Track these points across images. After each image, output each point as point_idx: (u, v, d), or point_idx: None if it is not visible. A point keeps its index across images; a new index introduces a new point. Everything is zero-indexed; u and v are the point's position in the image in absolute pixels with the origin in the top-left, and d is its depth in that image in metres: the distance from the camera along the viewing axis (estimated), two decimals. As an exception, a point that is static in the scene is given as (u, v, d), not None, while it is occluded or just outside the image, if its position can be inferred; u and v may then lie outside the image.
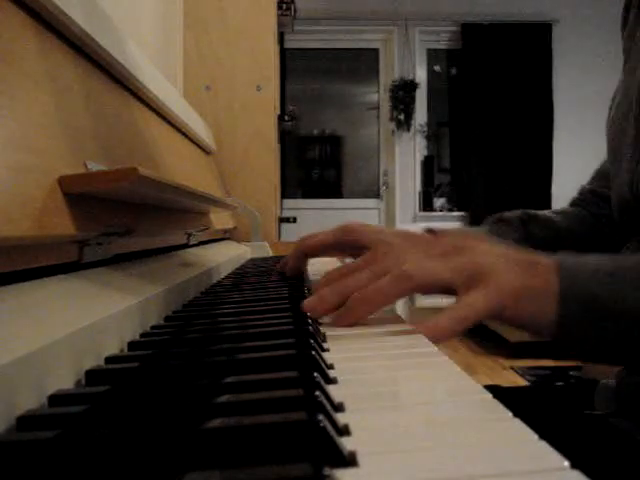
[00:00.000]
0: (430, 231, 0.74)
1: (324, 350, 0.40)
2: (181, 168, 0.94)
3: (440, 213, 4.60)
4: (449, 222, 4.46)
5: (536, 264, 0.45)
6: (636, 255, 0.49)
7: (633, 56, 0.65)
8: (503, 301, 0.43)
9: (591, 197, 0.79)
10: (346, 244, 0.68)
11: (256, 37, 1.73)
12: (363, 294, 0.46)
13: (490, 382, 2.54)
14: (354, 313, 0.47)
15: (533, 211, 0.78)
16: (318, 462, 0.19)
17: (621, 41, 0.71)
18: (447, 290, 0.46)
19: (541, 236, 0.75)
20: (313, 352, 0.33)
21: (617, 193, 0.65)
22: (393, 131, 4.51)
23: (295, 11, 2.73)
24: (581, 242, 0.76)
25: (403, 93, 4.43)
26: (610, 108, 0.72)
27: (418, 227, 0.79)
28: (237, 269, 1.01)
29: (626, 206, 0.63)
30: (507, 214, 0.78)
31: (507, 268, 0.45)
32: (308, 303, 0.49)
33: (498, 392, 0.67)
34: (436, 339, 0.41)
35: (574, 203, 0.82)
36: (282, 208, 2.82)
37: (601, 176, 0.78)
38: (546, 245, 0.74)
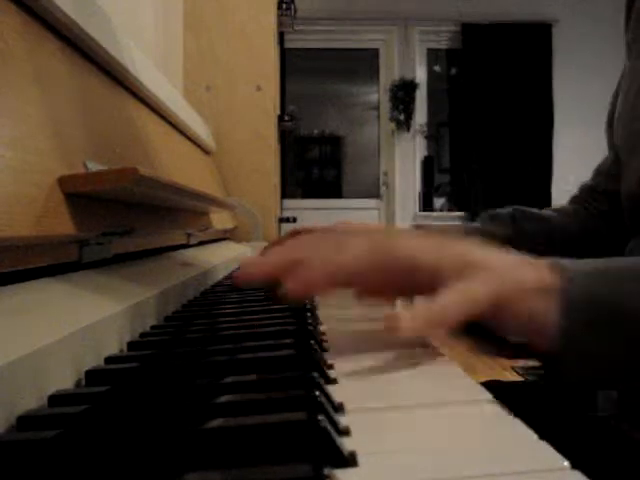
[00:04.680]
0: (419, 227, 0.74)
1: (324, 350, 0.40)
2: (181, 168, 0.94)
3: (440, 213, 4.60)
4: (449, 222, 4.46)
5: (530, 261, 0.39)
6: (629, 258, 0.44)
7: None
8: (504, 292, 0.36)
9: (590, 194, 0.79)
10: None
11: (256, 37, 1.73)
12: (324, 258, 0.37)
13: (490, 382, 2.52)
14: (312, 273, 0.37)
15: (525, 208, 0.77)
16: (318, 462, 0.19)
17: (624, 35, 0.71)
18: (430, 279, 0.37)
19: (532, 232, 0.74)
20: (313, 352, 0.33)
21: (627, 188, 0.64)
22: (393, 131, 4.50)
23: (295, 11, 2.73)
24: (576, 239, 0.75)
25: (403, 93, 4.43)
26: (611, 104, 0.72)
27: (407, 225, 0.78)
28: (237, 269, 1.01)
29: (633, 200, 0.62)
30: (499, 211, 0.78)
31: (503, 260, 0.39)
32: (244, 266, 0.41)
33: (499, 387, 0.67)
34: (420, 332, 0.35)
35: (573, 200, 0.82)
36: (282, 208, 2.82)
37: (602, 172, 0.78)
38: (537, 242, 0.74)
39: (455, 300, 0.35)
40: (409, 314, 0.34)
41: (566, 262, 0.39)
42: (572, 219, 0.77)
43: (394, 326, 0.34)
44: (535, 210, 0.78)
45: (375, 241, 0.38)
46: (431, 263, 0.37)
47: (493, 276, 0.37)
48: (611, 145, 0.72)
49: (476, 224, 0.78)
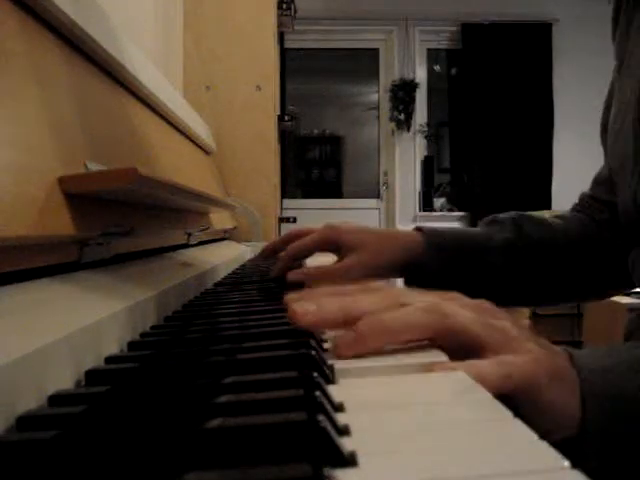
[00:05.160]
0: (418, 229, 0.74)
1: (324, 350, 0.40)
2: (181, 168, 0.94)
3: (440, 213, 4.60)
4: (449, 222, 4.46)
5: (555, 349, 0.40)
6: None
7: (629, 58, 0.65)
8: (538, 374, 0.36)
9: (591, 203, 0.79)
10: (330, 243, 0.71)
11: (256, 37, 1.73)
12: (381, 319, 0.36)
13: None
14: (367, 341, 0.36)
15: (528, 212, 0.77)
16: (318, 462, 0.19)
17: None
18: (472, 346, 0.37)
19: (536, 237, 0.74)
20: (313, 352, 0.33)
21: (622, 204, 0.65)
22: (393, 131, 4.51)
23: (295, 11, 2.73)
24: (579, 246, 0.75)
25: (403, 93, 4.43)
26: (604, 113, 0.72)
27: (408, 227, 0.79)
28: (237, 269, 1.01)
29: (630, 217, 0.63)
30: (501, 216, 0.77)
31: (537, 344, 0.38)
32: (301, 307, 0.38)
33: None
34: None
35: (575, 209, 0.81)
36: (282, 208, 2.82)
37: (600, 182, 0.78)
38: (541, 246, 0.74)
39: (505, 371, 0.35)
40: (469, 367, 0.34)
41: (583, 355, 0.40)
42: (574, 225, 0.77)
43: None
44: (537, 214, 0.78)
45: (429, 303, 0.38)
46: (478, 333, 0.37)
47: (534, 358, 0.37)
48: (606, 154, 0.73)
49: (477, 229, 0.78)
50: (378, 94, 4.69)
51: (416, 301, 0.38)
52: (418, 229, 0.75)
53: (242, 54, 1.72)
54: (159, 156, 0.78)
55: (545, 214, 0.82)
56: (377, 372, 0.34)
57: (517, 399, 0.36)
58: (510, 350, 0.37)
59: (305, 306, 0.38)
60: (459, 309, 0.38)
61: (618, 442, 0.38)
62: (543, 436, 0.27)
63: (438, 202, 4.65)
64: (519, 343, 0.37)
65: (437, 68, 4.67)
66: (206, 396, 0.26)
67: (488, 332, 0.37)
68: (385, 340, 0.37)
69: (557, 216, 0.79)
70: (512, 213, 0.77)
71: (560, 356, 0.39)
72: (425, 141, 4.62)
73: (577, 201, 0.82)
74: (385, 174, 4.64)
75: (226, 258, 0.98)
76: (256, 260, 1.19)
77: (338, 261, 0.71)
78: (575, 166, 4.15)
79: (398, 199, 4.55)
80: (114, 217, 0.50)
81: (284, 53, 3.55)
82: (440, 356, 0.36)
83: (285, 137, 3.04)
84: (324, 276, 0.67)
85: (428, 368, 0.34)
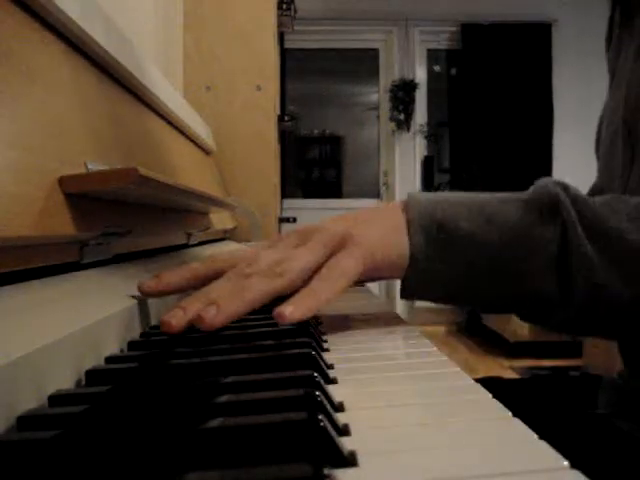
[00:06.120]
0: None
1: (324, 350, 0.40)
2: (181, 168, 0.94)
3: (440, 213, 4.59)
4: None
5: (387, 207, 0.49)
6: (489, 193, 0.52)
7: (618, 74, 0.66)
8: (367, 254, 0.45)
9: None
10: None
11: (256, 37, 1.73)
12: (231, 291, 0.41)
13: (490, 382, 2.53)
14: (226, 307, 0.40)
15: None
16: (318, 462, 0.19)
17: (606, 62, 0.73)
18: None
19: None
20: (313, 352, 0.33)
21: None
22: (393, 131, 4.51)
23: (295, 11, 2.73)
24: None
25: (403, 93, 4.43)
26: (598, 127, 0.73)
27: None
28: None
29: None
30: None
31: (362, 224, 0.47)
32: (149, 283, 0.44)
33: (498, 385, 0.67)
34: (304, 316, 0.40)
35: None
36: (282, 208, 2.82)
37: (596, 193, 0.78)
38: None
39: (326, 284, 0.43)
40: (291, 305, 0.40)
41: (414, 195, 0.49)
42: None
43: (281, 316, 0.40)
44: None
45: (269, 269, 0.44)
46: (316, 261, 0.44)
47: (359, 247, 0.45)
48: (599, 166, 0.74)
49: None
50: (378, 94, 4.69)
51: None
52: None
53: (242, 54, 1.72)
54: (159, 156, 0.78)
55: None
56: (377, 371, 0.34)
57: (366, 279, 0.47)
58: (342, 247, 0.45)
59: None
60: (291, 259, 0.43)
61: (441, 268, 0.46)
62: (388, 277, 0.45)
63: (438, 202, 4.65)
64: (344, 238, 0.45)
65: (437, 68, 4.67)
66: (206, 396, 0.26)
67: (319, 250, 0.44)
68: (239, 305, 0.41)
69: None
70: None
71: (394, 211, 0.48)
72: (425, 141, 4.61)
73: None
74: (385, 174, 4.64)
75: (226, 258, 0.98)
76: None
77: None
78: (575, 166, 4.15)
79: (398, 199, 4.54)
80: (114, 217, 0.50)
81: (284, 53, 3.55)
82: (451, 365, 0.36)
83: (285, 137, 3.04)
84: None
85: None
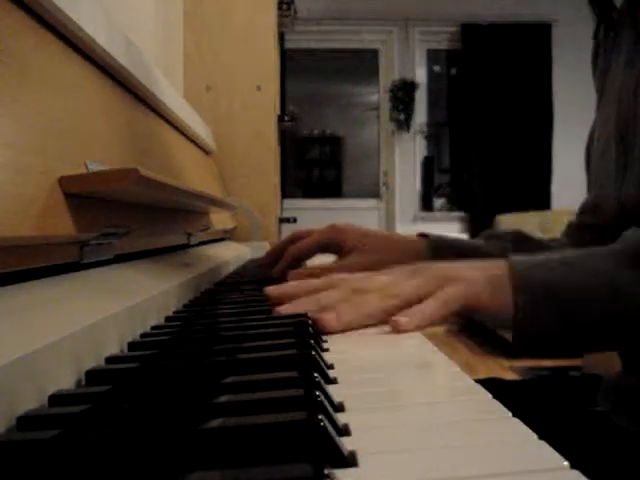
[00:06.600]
0: (423, 235, 0.75)
1: (324, 350, 0.40)
2: (181, 168, 0.94)
3: (440, 213, 4.60)
4: (448, 222, 4.46)
5: (492, 263, 0.51)
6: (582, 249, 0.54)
7: (607, 90, 0.67)
8: (471, 291, 0.48)
9: (579, 230, 0.80)
10: (332, 244, 0.73)
11: (256, 37, 1.73)
12: (350, 303, 0.47)
13: (490, 382, 2.53)
14: (344, 316, 0.46)
15: (526, 232, 0.78)
16: (318, 462, 0.19)
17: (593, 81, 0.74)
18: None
19: (535, 252, 0.75)
20: (313, 352, 0.33)
21: (608, 211, 0.66)
22: (393, 131, 4.51)
23: (295, 11, 2.73)
24: None
25: (403, 93, 4.44)
26: (587, 145, 0.74)
27: (413, 232, 0.81)
28: (237, 269, 1.01)
29: (615, 234, 0.64)
30: (499, 231, 0.78)
31: (469, 269, 0.50)
32: (274, 290, 0.51)
33: (498, 386, 0.67)
34: (414, 329, 0.45)
35: (565, 234, 0.83)
36: (282, 208, 2.82)
37: (585, 211, 0.79)
38: None
39: (434, 304, 0.47)
40: (407, 317, 0.45)
41: (519, 258, 0.51)
42: (568, 245, 0.77)
43: (396, 326, 0.44)
44: (536, 236, 0.79)
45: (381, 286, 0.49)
46: (425, 290, 0.48)
47: (465, 282, 0.48)
48: (589, 180, 0.75)
49: (479, 240, 0.78)
50: (378, 94, 4.69)
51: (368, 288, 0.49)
52: (422, 235, 0.76)
53: (242, 54, 1.72)
54: (159, 156, 0.78)
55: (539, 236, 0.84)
56: (377, 371, 0.34)
57: (468, 312, 0.49)
58: (448, 283, 0.48)
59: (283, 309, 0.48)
60: (403, 285, 0.48)
61: (546, 325, 0.47)
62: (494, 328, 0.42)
63: (438, 202, 4.65)
64: (452, 276, 0.49)
65: (437, 68, 4.67)
66: (206, 396, 0.26)
67: (430, 283, 0.48)
68: (355, 317, 0.46)
69: (551, 239, 0.81)
70: (510, 230, 0.78)
71: (498, 267, 0.50)
72: (425, 141, 4.62)
73: (565, 229, 0.83)
74: (385, 174, 4.64)
75: (226, 258, 0.98)
76: (258, 261, 1.19)
77: (337, 262, 0.72)
78: (574, 166, 4.14)
79: (398, 199, 4.55)
80: (114, 217, 0.50)
81: (284, 53, 3.55)
82: (452, 365, 0.36)
83: (285, 137, 3.04)
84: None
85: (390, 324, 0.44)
